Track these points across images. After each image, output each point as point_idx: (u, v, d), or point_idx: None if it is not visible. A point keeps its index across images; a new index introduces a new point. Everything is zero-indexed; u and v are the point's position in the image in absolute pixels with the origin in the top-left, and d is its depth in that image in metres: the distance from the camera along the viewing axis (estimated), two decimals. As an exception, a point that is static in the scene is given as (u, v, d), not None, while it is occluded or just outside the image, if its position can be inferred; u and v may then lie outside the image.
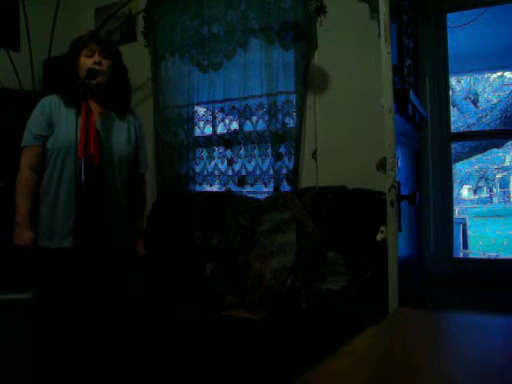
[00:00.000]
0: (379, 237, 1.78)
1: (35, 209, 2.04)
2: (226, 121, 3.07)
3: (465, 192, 12.99)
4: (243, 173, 2.96)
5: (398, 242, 1.71)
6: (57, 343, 1.99)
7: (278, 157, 2.80)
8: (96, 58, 2.03)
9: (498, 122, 6.29)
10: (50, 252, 2.01)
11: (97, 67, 2.02)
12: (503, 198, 12.82)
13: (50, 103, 2.07)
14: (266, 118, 2.85)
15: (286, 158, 2.78)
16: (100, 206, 1.99)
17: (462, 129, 6.62)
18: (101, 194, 2.00)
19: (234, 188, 2.98)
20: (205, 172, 3.09)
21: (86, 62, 2.03)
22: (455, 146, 5.69)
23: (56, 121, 2.04)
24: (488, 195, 13.15)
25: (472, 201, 13.04)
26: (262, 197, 2.80)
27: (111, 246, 2.06)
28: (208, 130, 3.12)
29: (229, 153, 3.01)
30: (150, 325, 2.19)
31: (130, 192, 2.19)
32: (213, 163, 3.07)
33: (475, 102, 8.72)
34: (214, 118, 3.07)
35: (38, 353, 2.13)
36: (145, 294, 2.48)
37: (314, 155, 2.76)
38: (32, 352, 2.30)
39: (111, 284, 2.06)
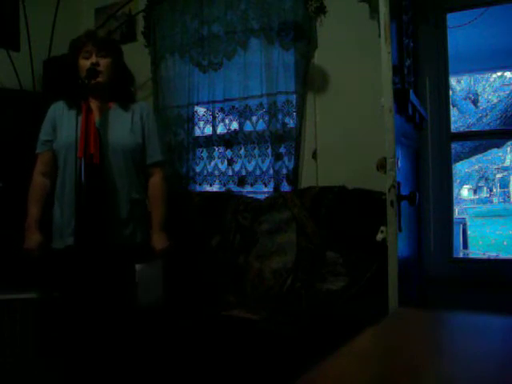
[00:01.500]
0: (379, 237, 1.78)
1: (49, 212, 2.08)
2: (226, 121, 3.06)
3: (465, 192, 13.00)
4: (243, 173, 2.96)
5: (397, 242, 1.71)
6: (59, 343, 1.99)
7: (278, 157, 2.80)
8: (93, 59, 2.03)
9: (498, 121, 6.30)
10: (60, 253, 2.02)
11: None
12: (503, 198, 12.83)
13: (55, 108, 2.12)
14: (266, 118, 2.85)
15: (285, 158, 2.78)
16: (101, 205, 1.99)
17: (462, 129, 6.63)
18: (102, 193, 1.99)
19: (234, 188, 2.98)
20: (205, 172, 3.09)
21: (84, 63, 2.03)
22: (455, 146, 5.70)
23: (59, 123, 2.07)
24: (488, 195, 13.16)
25: (472, 201, 13.05)
26: (261, 197, 2.80)
27: (118, 245, 2.03)
28: (208, 130, 3.12)
29: (229, 153, 3.01)
30: (150, 325, 2.19)
31: (142, 185, 2.15)
32: (213, 163, 3.07)
33: (475, 102, 8.72)
34: (214, 118, 3.07)
35: (40, 352, 2.14)
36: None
37: (314, 155, 2.76)
38: (32, 352, 2.31)
39: (115, 284, 2.02)
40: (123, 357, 2.01)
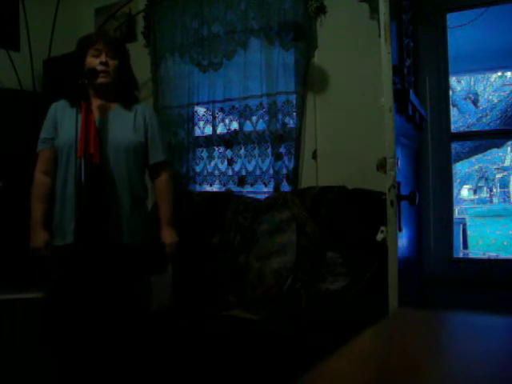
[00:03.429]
0: (379, 237, 1.78)
1: (51, 209, 2.07)
2: (226, 121, 3.07)
3: (465, 192, 12.99)
4: (243, 173, 2.96)
5: (397, 242, 1.71)
6: (60, 342, 1.99)
7: (278, 157, 2.80)
8: (103, 58, 2.03)
9: (498, 122, 6.31)
10: (62, 250, 2.02)
11: (103, 68, 2.01)
12: (503, 198, 12.82)
13: (57, 106, 2.12)
14: (266, 118, 2.85)
15: (285, 158, 2.78)
16: (102, 204, 1.98)
17: (461, 129, 6.64)
18: (102, 192, 1.99)
19: (234, 188, 2.98)
20: (205, 172, 3.09)
21: (93, 61, 2.03)
22: (455, 146, 5.71)
23: (60, 121, 2.07)
24: (488, 195, 13.15)
25: (472, 201, 13.04)
26: (262, 197, 2.80)
27: (120, 244, 2.03)
28: (208, 130, 3.12)
29: (229, 153, 3.01)
30: (150, 324, 2.19)
31: (144, 184, 2.15)
32: (213, 163, 3.07)
33: (475, 102, 8.71)
34: (214, 117, 3.07)
35: (42, 352, 2.13)
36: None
37: (314, 155, 2.76)
38: (32, 352, 2.31)
39: (118, 284, 2.00)
40: (123, 356, 2.01)
